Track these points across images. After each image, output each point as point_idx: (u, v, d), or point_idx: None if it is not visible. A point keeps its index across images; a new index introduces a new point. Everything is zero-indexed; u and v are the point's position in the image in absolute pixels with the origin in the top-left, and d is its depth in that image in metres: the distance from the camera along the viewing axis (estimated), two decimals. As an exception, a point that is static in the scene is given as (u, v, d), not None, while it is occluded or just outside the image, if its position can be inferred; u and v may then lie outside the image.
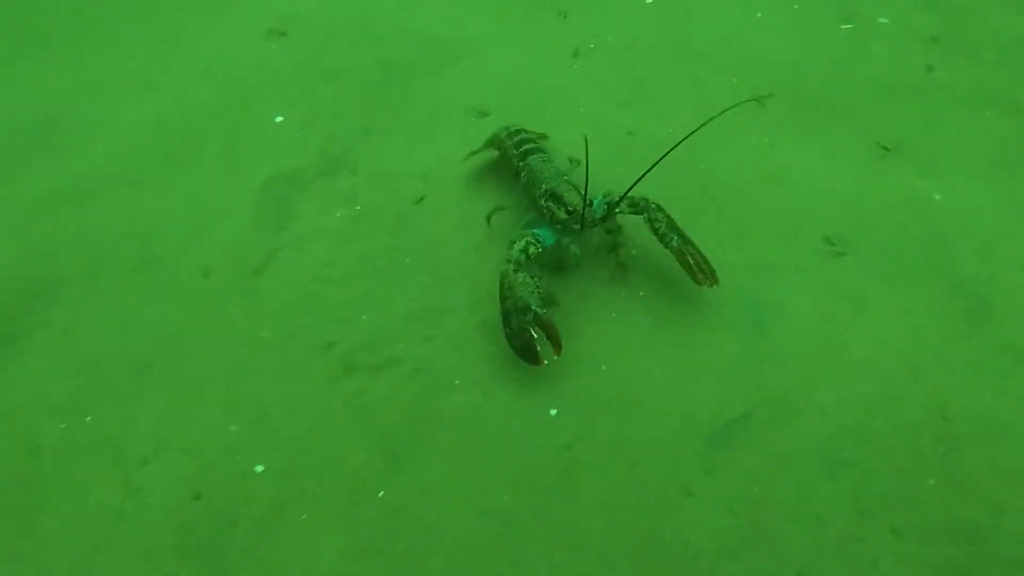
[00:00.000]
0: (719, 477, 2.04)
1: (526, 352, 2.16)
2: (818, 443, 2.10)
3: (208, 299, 2.47)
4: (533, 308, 2.16)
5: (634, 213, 2.39)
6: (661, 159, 2.23)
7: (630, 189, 2.26)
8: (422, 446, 2.13)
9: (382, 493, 2.04)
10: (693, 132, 2.29)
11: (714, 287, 2.29)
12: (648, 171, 2.20)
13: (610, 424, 2.15)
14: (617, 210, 2.35)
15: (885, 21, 3.38)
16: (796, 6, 3.49)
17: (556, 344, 2.16)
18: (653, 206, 2.38)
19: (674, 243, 2.34)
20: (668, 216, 2.39)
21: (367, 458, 2.10)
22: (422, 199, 2.75)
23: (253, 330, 2.38)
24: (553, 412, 2.18)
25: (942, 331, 2.32)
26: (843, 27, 3.37)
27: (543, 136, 2.87)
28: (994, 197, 2.66)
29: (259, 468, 2.10)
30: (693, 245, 2.37)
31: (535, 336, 2.15)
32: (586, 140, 2.18)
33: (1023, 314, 2.34)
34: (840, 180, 2.76)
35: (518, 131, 2.73)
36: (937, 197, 2.67)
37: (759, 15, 3.44)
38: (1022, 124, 2.90)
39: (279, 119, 3.11)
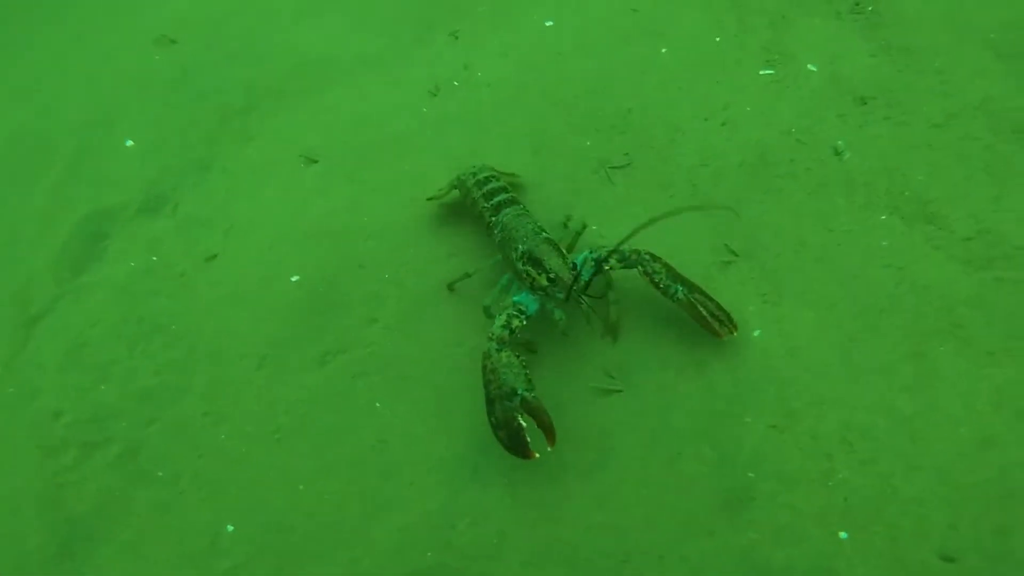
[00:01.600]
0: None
1: (514, 444, 1.92)
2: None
3: (-22, 344, 2.55)
4: (521, 392, 1.93)
5: (625, 268, 2.17)
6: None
7: (622, 242, 1.96)
8: (102, 540, 2.12)
9: (40, 585, 2.07)
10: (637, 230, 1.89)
11: (735, 334, 2.08)
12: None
13: (279, 558, 2.02)
14: (607, 267, 2.15)
15: (814, 69, 2.71)
16: (718, 39, 2.88)
17: (549, 433, 1.92)
18: (647, 256, 2.16)
19: (680, 294, 2.12)
20: (666, 265, 2.16)
21: (42, 543, 2.12)
22: (214, 257, 2.64)
23: (2, 384, 2.44)
24: (230, 528, 2.08)
25: (685, 515, 1.94)
26: (762, 72, 2.76)
27: (514, 175, 2.54)
28: (829, 349, 2.12)
29: (-52, 537, 2.19)
30: (702, 292, 2.15)
31: (524, 425, 1.92)
32: None
33: (777, 508, 1.90)
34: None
35: (488, 177, 2.42)
36: (756, 333, 2.18)
37: (664, 50, 2.88)
38: (917, 236, 2.26)
39: (130, 143, 3.06)
